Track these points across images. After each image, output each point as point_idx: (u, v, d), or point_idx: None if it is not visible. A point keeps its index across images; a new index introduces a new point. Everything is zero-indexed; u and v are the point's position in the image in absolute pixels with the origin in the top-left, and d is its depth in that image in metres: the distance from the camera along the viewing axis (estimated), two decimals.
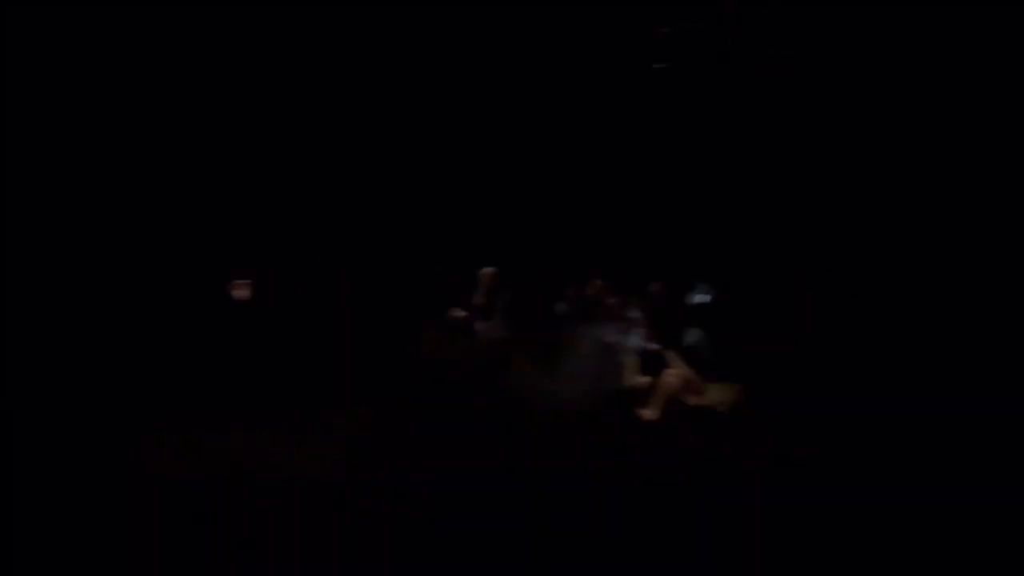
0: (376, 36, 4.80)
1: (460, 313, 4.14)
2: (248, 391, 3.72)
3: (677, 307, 3.71)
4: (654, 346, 3.72)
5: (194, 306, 4.10)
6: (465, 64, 5.08)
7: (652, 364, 3.74)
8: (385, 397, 3.79)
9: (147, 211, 4.26)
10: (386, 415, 3.64)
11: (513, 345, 3.98)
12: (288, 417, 3.60)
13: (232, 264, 4.27)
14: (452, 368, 3.88)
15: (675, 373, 3.63)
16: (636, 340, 3.84)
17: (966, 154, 5.09)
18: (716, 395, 3.54)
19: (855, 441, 3.35)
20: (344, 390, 3.84)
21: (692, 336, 3.49)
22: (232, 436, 3.40)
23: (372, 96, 4.94)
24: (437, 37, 4.92)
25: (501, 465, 3.22)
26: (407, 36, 4.85)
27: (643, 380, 3.78)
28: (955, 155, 5.13)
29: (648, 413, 3.66)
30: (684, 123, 5.93)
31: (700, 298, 3.67)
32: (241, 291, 4.21)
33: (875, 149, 5.44)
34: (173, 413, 3.56)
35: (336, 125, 4.87)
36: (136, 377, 3.73)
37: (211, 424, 3.47)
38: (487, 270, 4.12)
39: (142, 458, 3.20)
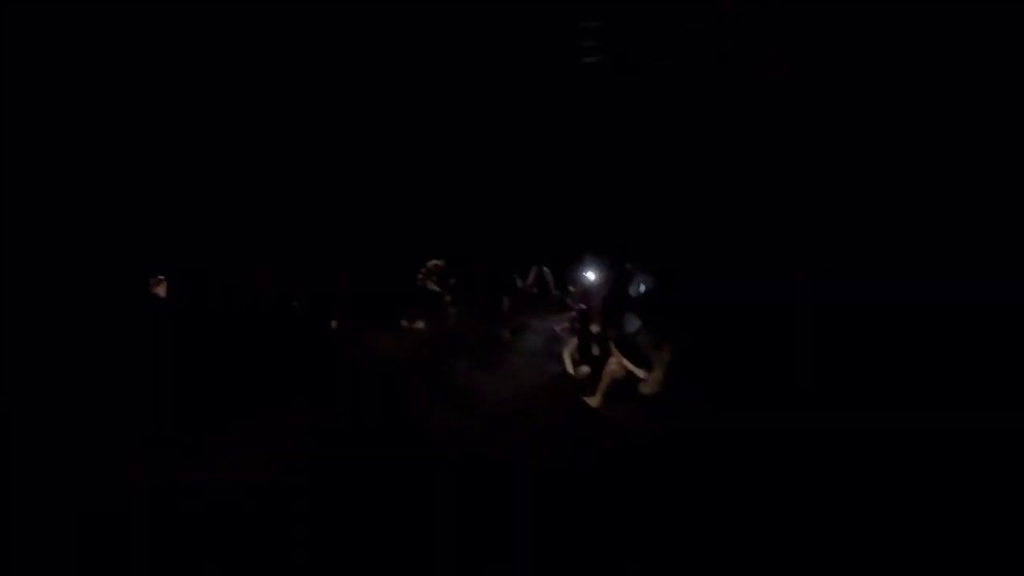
0: (335, 42, 4.90)
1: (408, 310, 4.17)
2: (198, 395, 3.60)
3: (619, 296, 3.80)
4: (596, 335, 3.84)
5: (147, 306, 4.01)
6: (443, 67, 5.22)
7: (595, 353, 3.86)
8: (330, 398, 3.72)
9: (108, 208, 4.12)
10: (329, 417, 3.59)
11: (457, 340, 4.07)
12: (232, 422, 3.49)
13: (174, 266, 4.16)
14: (396, 366, 3.91)
15: (618, 361, 3.75)
16: (578, 329, 3.96)
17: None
18: (657, 382, 3.64)
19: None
20: (290, 392, 3.72)
21: (632, 325, 3.60)
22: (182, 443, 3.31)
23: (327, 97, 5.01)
24: (399, 43, 5.05)
25: (445, 462, 3.28)
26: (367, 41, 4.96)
27: (585, 369, 3.90)
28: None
29: (593, 401, 3.80)
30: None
31: (640, 288, 3.76)
32: (158, 288, 4.05)
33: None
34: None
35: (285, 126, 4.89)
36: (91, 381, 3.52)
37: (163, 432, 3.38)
38: (433, 263, 4.20)
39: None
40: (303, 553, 2.80)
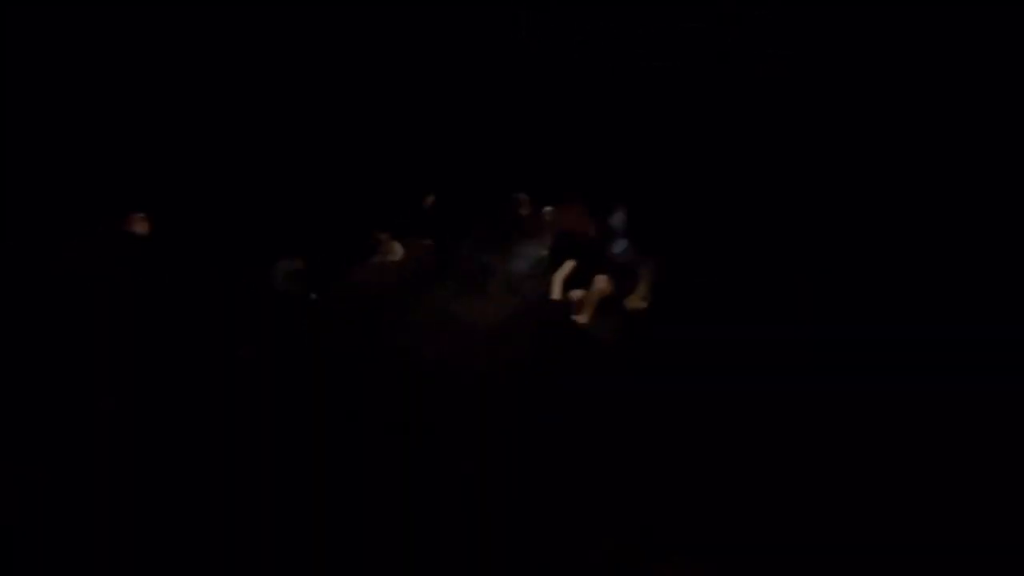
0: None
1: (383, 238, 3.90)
2: None
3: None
4: (585, 255, 3.59)
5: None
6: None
7: (582, 274, 3.59)
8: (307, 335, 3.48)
9: None
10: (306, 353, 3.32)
11: (439, 269, 3.82)
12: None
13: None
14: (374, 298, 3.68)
15: (605, 279, 3.48)
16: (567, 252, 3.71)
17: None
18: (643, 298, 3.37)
19: None
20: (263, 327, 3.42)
21: (619, 245, 3.38)
22: None
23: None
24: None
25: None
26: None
27: (577, 292, 3.60)
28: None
29: (581, 318, 3.51)
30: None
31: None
32: (139, 225, 3.51)
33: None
34: None
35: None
36: None
37: None
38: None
39: None
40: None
